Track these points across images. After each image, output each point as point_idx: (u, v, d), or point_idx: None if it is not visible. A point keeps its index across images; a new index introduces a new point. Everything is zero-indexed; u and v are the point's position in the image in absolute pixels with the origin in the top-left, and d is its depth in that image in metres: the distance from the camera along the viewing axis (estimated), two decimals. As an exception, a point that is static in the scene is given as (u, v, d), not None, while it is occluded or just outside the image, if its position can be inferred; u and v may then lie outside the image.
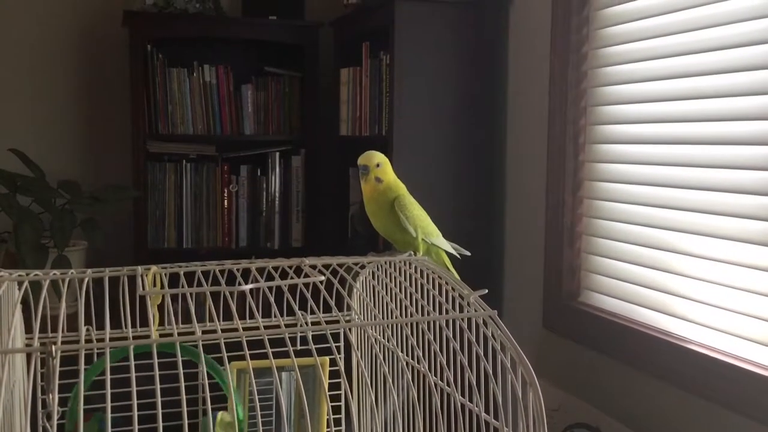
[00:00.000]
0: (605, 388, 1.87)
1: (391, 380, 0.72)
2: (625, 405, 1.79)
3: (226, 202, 2.95)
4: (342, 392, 1.12)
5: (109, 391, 0.63)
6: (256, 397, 0.70)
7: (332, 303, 0.86)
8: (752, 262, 1.47)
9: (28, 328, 0.98)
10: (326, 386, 0.86)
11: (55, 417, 0.59)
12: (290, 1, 2.92)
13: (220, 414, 1.02)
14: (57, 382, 0.60)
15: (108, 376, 0.63)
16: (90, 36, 2.94)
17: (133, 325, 0.87)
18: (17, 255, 2.38)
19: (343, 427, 1.18)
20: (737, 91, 1.50)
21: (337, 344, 1.11)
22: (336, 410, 1.19)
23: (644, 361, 1.72)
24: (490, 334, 0.76)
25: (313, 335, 0.76)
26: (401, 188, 1.31)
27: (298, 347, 1.03)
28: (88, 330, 0.90)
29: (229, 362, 1.06)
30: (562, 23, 2.00)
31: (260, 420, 0.63)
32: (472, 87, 2.31)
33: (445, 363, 0.76)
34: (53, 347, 0.60)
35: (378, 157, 1.29)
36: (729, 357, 1.51)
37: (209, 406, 0.69)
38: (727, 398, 1.49)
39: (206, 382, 0.74)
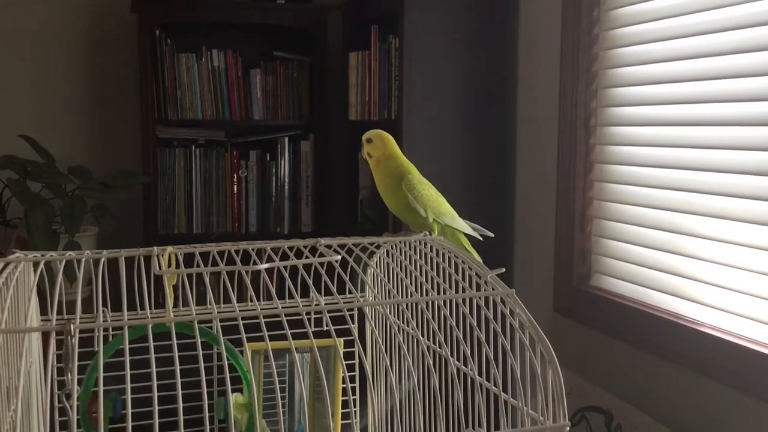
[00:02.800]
0: (617, 371, 1.87)
1: (410, 360, 0.72)
2: (636, 388, 1.79)
3: (235, 187, 2.95)
4: (356, 373, 1.12)
5: (128, 371, 0.63)
6: (276, 378, 0.70)
7: (348, 281, 0.86)
8: (765, 244, 1.46)
9: (43, 311, 0.98)
10: (343, 367, 0.86)
11: (75, 396, 0.59)
12: (298, -15, 2.90)
13: (234, 395, 1.02)
14: (76, 361, 0.60)
15: (127, 356, 0.63)
16: (99, 22, 2.93)
17: (149, 307, 0.87)
18: (29, 241, 2.38)
19: (358, 408, 1.19)
20: (752, 70, 1.49)
21: (353, 325, 1.10)
22: (351, 390, 1.19)
23: (656, 345, 1.72)
24: (508, 312, 0.76)
25: (329, 317, 0.75)
26: (408, 168, 1.33)
27: (313, 328, 1.03)
28: (103, 312, 0.90)
29: (240, 343, 1.07)
30: (573, 5, 1.98)
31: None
32: (482, 70, 2.30)
33: (462, 341, 0.76)
34: (71, 326, 0.60)
35: (370, 133, 1.33)
36: (741, 339, 1.50)
37: (228, 387, 0.69)
38: (740, 380, 1.48)
39: (225, 363, 0.74)
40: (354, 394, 1.18)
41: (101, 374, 0.59)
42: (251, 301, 0.78)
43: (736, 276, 1.53)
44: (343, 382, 1.15)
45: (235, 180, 2.94)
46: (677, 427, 1.65)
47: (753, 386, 1.46)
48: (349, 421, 1.17)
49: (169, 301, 0.81)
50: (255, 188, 2.97)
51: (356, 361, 1.12)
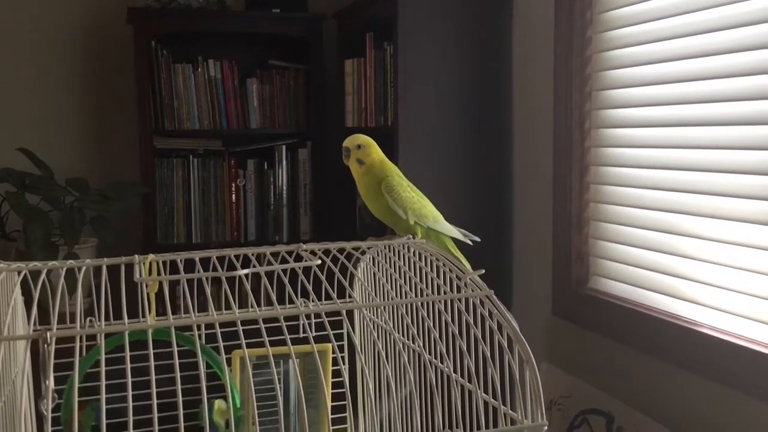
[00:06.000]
0: (617, 373, 1.86)
1: (389, 366, 0.71)
2: (637, 390, 1.78)
3: (233, 196, 2.95)
4: (345, 378, 1.12)
5: (103, 381, 0.63)
6: (252, 386, 0.70)
7: (332, 291, 0.86)
8: (763, 244, 1.45)
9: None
10: (330, 373, 0.86)
11: (50, 404, 0.59)
12: (293, -7, 2.91)
13: (217, 402, 1.02)
14: (52, 368, 0.60)
15: (102, 366, 0.63)
16: (95, 34, 2.95)
17: (134, 315, 0.87)
18: (28, 253, 2.39)
19: (348, 413, 1.18)
20: (746, 69, 1.48)
21: (338, 331, 1.10)
22: (341, 396, 1.19)
23: (655, 346, 1.71)
24: (487, 314, 0.75)
25: (315, 324, 0.75)
26: (390, 171, 1.32)
27: (300, 335, 1.03)
28: (90, 321, 0.90)
29: (230, 351, 1.06)
30: (566, 8, 1.98)
31: (252, 410, 0.63)
32: (477, 75, 2.30)
33: (443, 344, 0.76)
34: (48, 333, 0.60)
35: (360, 139, 1.32)
36: (740, 339, 1.49)
37: (205, 395, 0.68)
38: (740, 381, 1.48)
39: (203, 370, 0.74)
40: (343, 399, 1.18)
41: (76, 385, 0.59)
42: (234, 309, 0.77)
43: (734, 276, 1.53)
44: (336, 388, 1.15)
45: (233, 189, 2.95)
46: (678, 429, 1.64)
47: (753, 386, 1.45)
48: (344, 426, 1.16)
49: (152, 308, 0.81)
50: (253, 197, 2.98)
51: (342, 367, 1.11)
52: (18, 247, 2.51)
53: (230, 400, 0.93)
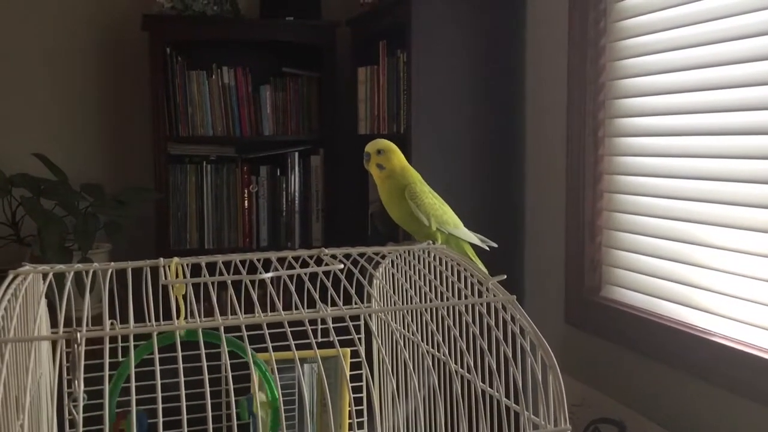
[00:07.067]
0: (629, 382, 1.86)
1: (412, 368, 0.72)
2: (649, 399, 1.78)
3: (246, 202, 2.97)
4: (364, 383, 1.12)
5: (133, 383, 0.64)
6: (280, 391, 0.70)
7: (353, 293, 0.87)
8: (776, 252, 1.46)
9: (54, 324, 0.99)
10: (348, 377, 0.87)
11: (81, 404, 0.60)
12: (307, 1, 2.93)
13: (258, 394, 1.03)
14: (83, 369, 0.61)
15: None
16: (110, 40, 2.97)
17: (157, 319, 0.88)
18: (42, 258, 2.40)
19: (365, 418, 1.19)
20: (759, 80, 1.49)
21: (358, 336, 1.11)
22: (358, 401, 1.19)
23: (668, 355, 1.71)
24: (509, 319, 0.76)
25: (333, 328, 0.76)
26: (413, 177, 1.33)
27: (320, 339, 1.04)
28: (112, 323, 0.91)
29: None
30: (580, 17, 1.99)
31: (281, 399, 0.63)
32: (490, 82, 2.31)
33: (465, 349, 0.77)
34: (78, 334, 0.61)
35: (381, 144, 1.32)
36: (753, 348, 1.49)
37: (229, 392, 0.69)
38: (754, 390, 1.47)
39: (230, 372, 0.74)
40: (361, 404, 1.19)
41: (106, 389, 0.60)
42: (258, 312, 0.78)
43: (748, 285, 1.53)
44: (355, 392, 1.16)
45: (245, 195, 2.96)
46: (690, 438, 1.64)
47: (765, 396, 1.45)
48: (362, 431, 1.17)
49: (182, 310, 0.82)
50: (266, 203, 2.99)
51: (363, 371, 1.12)
52: (33, 252, 2.52)
53: (252, 394, 0.94)
